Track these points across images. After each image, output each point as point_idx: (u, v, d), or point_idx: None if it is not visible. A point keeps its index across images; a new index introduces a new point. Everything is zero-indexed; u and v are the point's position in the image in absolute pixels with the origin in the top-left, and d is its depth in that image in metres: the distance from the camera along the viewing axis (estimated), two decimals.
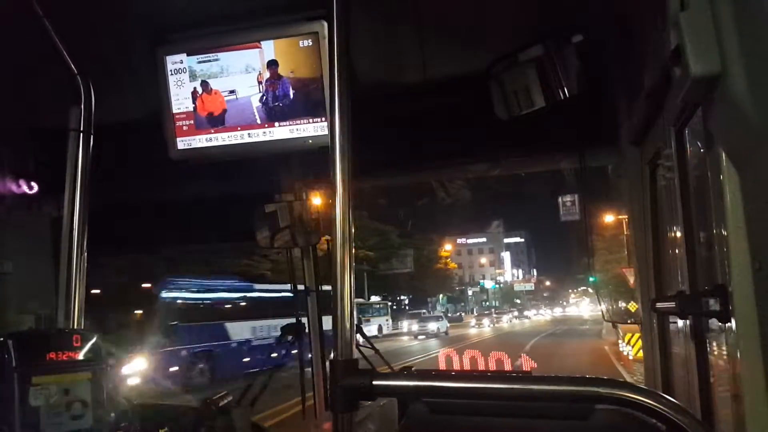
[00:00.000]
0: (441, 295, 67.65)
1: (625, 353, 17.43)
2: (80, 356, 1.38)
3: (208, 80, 2.37)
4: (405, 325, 40.10)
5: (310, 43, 2.21)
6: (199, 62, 2.36)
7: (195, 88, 2.39)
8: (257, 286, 19.96)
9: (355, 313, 1.25)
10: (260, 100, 2.35)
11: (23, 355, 1.28)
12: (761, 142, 1.03)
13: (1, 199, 3.02)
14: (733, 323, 1.20)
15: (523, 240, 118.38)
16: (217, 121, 2.40)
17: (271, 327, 18.84)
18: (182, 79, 2.38)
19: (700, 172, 1.50)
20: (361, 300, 33.27)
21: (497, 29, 2.38)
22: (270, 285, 21.06)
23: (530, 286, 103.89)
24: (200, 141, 2.43)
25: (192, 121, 2.42)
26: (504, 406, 1.18)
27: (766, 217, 1.06)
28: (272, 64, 2.29)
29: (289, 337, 3.11)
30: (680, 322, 1.85)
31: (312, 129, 2.32)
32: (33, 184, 3.11)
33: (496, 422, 1.21)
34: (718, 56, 1.07)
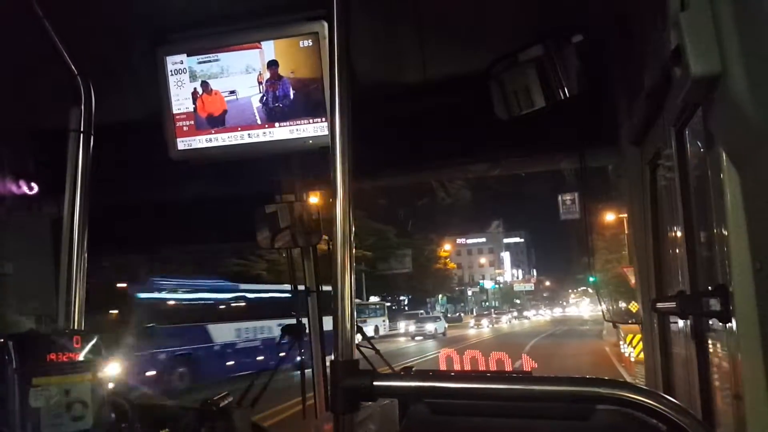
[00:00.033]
0: (440, 296, 67.64)
1: (626, 354, 16.95)
2: (81, 357, 1.38)
3: (208, 81, 2.37)
4: (402, 326, 39.83)
5: (311, 44, 2.21)
6: (200, 63, 2.36)
7: (195, 88, 2.39)
8: (243, 287, 19.33)
9: (355, 313, 1.25)
10: (260, 101, 2.35)
11: (23, 356, 1.28)
12: (761, 142, 1.03)
13: (2, 200, 3.02)
14: (733, 323, 1.20)
15: (522, 240, 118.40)
16: (217, 122, 2.40)
17: (258, 329, 18.42)
18: (182, 80, 2.38)
19: (701, 172, 1.50)
20: (358, 300, 33.12)
21: (497, 29, 2.38)
22: (258, 285, 20.55)
23: (530, 287, 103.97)
24: (200, 141, 2.43)
25: (192, 122, 2.42)
26: (505, 407, 1.18)
27: (767, 217, 1.06)
28: (272, 65, 2.29)
29: (288, 338, 3.10)
30: (681, 322, 1.85)
31: (312, 129, 2.32)
32: (33, 184, 3.11)
33: (496, 423, 1.21)
34: (718, 56, 1.07)
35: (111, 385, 1.53)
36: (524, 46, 2.33)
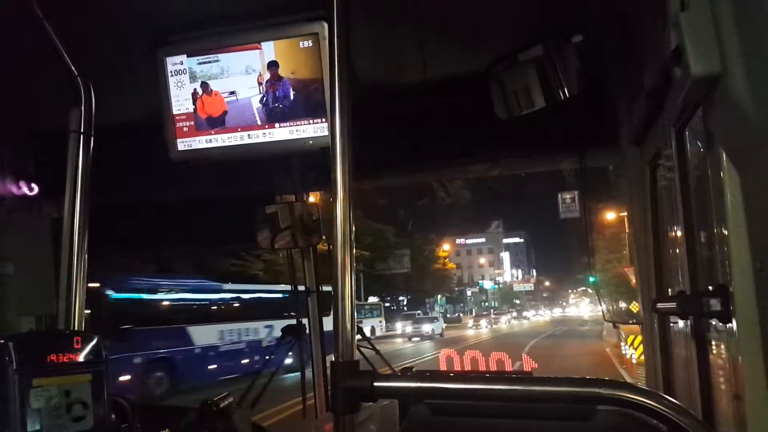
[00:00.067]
0: (439, 296, 67.63)
1: (628, 356, 16.35)
2: (81, 358, 1.38)
3: (208, 81, 2.37)
4: (399, 326, 39.45)
5: (311, 44, 2.21)
6: (200, 63, 2.36)
7: (195, 89, 2.39)
8: (227, 286, 18.44)
9: (355, 314, 1.25)
10: (260, 101, 2.35)
11: (23, 357, 1.28)
12: (761, 142, 1.03)
13: (2, 201, 3.02)
14: (734, 323, 1.21)
15: (522, 240, 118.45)
16: (217, 123, 2.40)
17: (243, 331, 17.70)
18: (182, 81, 2.38)
19: (701, 172, 1.51)
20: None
21: (497, 29, 2.38)
22: (244, 285, 19.78)
23: (529, 287, 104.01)
24: (200, 142, 2.43)
25: (192, 122, 2.42)
26: (505, 407, 1.18)
27: (767, 217, 1.06)
28: (272, 65, 2.29)
29: (288, 338, 3.10)
30: (681, 323, 1.85)
31: (312, 130, 2.32)
32: (33, 185, 3.12)
33: (497, 423, 1.21)
34: (718, 56, 1.07)
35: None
36: (524, 46, 2.33)
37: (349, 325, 1.19)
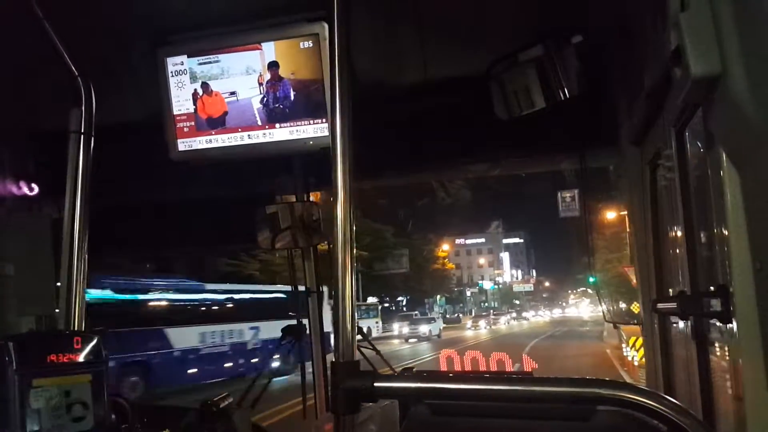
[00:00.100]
0: (439, 296, 67.60)
1: (629, 358, 15.95)
2: (81, 358, 1.38)
3: (208, 82, 2.37)
4: (396, 327, 38.99)
5: (311, 45, 2.22)
6: (200, 64, 2.36)
7: (196, 89, 2.39)
8: (210, 286, 17.66)
9: (356, 314, 1.25)
10: (261, 102, 2.35)
11: (23, 357, 1.28)
12: (761, 142, 1.03)
13: (2, 201, 3.02)
14: (734, 324, 1.21)
15: (522, 240, 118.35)
16: (217, 123, 2.41)
17: (226, 333, 17.10)
18: (183, 81, 2.38)
19: (701, 172, 1.51)
20: None
21: (497, 29, 2.38)
22: (228, 285, 19.12)
23: (529, 287, 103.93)
24: (201, 142, 2.43)
25: (193, 123, 2.42)
26: (505, 408, 1.18)
27: (767, 217, 1.06)
28: (273, 66, 2.29)
29: (288, 339, 3.10)
30: (681, 323, 1.85)
31: (312, 130, 2.32)
32: (33, 185, 3.12)
33: (497, 423, 1.21)
34: (718, 57, 1.07)
35: None
36: (524, 47, 2.33)
37: (349, 326, 1.19)
